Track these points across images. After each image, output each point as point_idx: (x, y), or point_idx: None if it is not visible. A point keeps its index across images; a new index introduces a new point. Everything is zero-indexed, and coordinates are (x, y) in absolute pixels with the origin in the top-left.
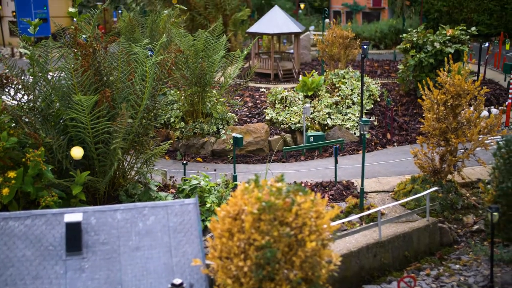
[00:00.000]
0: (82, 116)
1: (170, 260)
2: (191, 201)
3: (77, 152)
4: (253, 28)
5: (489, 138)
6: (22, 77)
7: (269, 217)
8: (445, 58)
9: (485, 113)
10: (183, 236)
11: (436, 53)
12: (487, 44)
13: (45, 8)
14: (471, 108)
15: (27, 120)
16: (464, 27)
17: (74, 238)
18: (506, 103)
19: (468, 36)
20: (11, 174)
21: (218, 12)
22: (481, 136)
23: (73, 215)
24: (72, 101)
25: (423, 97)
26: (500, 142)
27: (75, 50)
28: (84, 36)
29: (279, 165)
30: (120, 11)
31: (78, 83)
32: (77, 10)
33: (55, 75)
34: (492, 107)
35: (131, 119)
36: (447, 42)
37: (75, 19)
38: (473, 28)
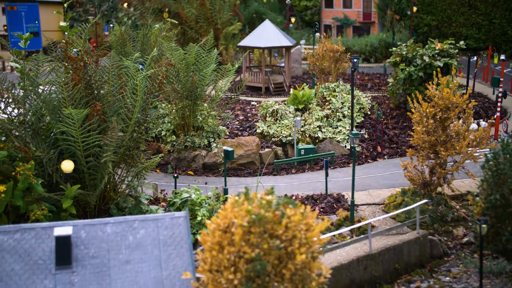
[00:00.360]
0: (72, 130)
1: (160, 273)
2: (181, 214)
3: (67, 166)
4: (244, 42)
5: (478, 150)
6: (13, 91)
7: (259, 230)
8: (434, 72)
9: (474, 126)
10: (173, 249)
11: (425, 66)
12: (475, 58)
13: (36, 22)
14: (460, 121)
15: (17, 133)
16: (453, 41)
17: (64, 252)
18: (495, 116)
19: (456, 50)
20: (1, 188)
21: (209, 26)
22: (470, 148)
23: (63, 229)
24: (62, 114)
25: (412, 110)
26: (488, 155)
27: (66, 64)
28: (75, 50)
29: (270, 178)
30: (111, 25)
31: (69, 96)
32: (68, 24)
33: (45, 88)
34: (481, 120)
35: (122, 133)
36: (436, 56)
37: (66, 33)
38: (462, 42)
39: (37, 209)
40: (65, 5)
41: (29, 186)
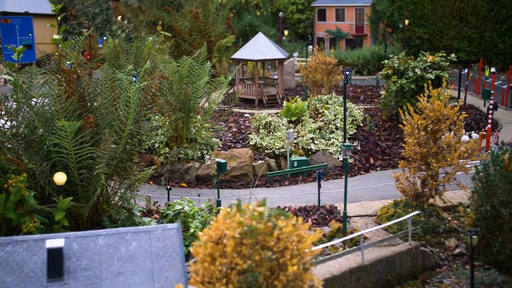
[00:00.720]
0: (65, 142)
1: (153, 285)
2: (173, 225)
3: (60, 178)
4: (238, 54)
5: (469, 162)
6: (6, 103)
7: (251, 241)
8: (425, 84)
9: (466, 138)
10: (166, 261)
11: (417, 79)
12: (466, 71)
13: (30, 34)
14: (451, 133)
15: (10, 146)
16: (444, 54)
17: (56, 264)
18: (486, 128)
19: (448, 63)
20: None
21: (203, 39)
22: (461, 160)
23: (55, 241)
24: (55, 127)
25: (404, 122)
26: (478, 166)
27: (59, 77)
28: (68, 62)
29: (263, 190)
30: (105, 38)
31: (62, 109)
32: (62, 37)
33: (38, 101)
34: (473, 132)
35: (115, 145)
36: (428, 68)
37: (60, 46)
38: (453, 55)
39: (29, 221)
40: (59, 18)
41: (21, 198)
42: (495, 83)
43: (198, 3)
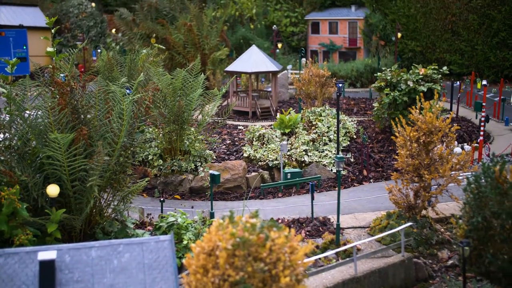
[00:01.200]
0: (58, 154)
1: None
2: (166, 237)
3: (53, 190)
4: (232, 67)
5: (461, 174)
6: None
7: (243, 253)
8: (417, 96)
9: (458, 149)
10: (158, 273)
11: (409, 91)
12: (458, 83)
13: (24, 47)
14: (443, 145)
15: (2, 158)
16: (436, 67)
17: (48, 276)
18: (478, 140)
19: (440, 75)
20: None
21: (196, 51)
22: (453, 172)
23: (47, 253)
24: (48, 139)
25: (396, 134)
26: (469, 178)
27: (53, 89)
28: (62, 75)
29: (257, 202)
30: (99, 51)
31: (55, 121)
32: (56, 49)
33: (32, 113)
34: (465, 144)
35: (108, 157)
36: (420, 80)
37: (54, 59)
38: (445, 68)
39: (21, 233)
40: (53, 30)
41: (14, 210)
42: (487, 96)
43: (192, 16)
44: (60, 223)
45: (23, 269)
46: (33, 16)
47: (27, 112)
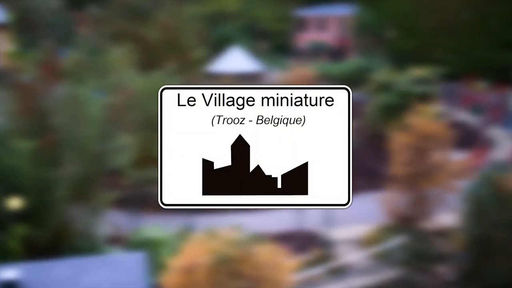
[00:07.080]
0: (21, 163)
1: None
2: (138, 254)
3: (15, 203)
4: (212, 67)
5: (458, 182)
6: None
7: (224, 270)
8: (412, 100)
9: (454, 156)
10: None
11: (403, 93)
12: (455, 85)
13: None
14: (439, 151)
15: None
16: (432, 68)
17: None
18: (477, 146)
19: (435, 77)
20: None
21: (174, 51)
22: (450, 180)
23: (9, 272)
24: (10, 147)
25: (391, 139)
26: (468, 187)
27: (15, 92)
28: (25, 76)
29: (241, 215)
30: (68, 51)
31: (18, 127)
32: (19, 49)
33: None
34: (463, 150)
35: (77, 166)
36: (415, 82)
37: (15, 59)
38: (441, 69)
39: None
40: (14, 28)
41: None
42: (485, 99)
43: (168, 13)
44: (23, 238)
45: None
46: None
47: None
